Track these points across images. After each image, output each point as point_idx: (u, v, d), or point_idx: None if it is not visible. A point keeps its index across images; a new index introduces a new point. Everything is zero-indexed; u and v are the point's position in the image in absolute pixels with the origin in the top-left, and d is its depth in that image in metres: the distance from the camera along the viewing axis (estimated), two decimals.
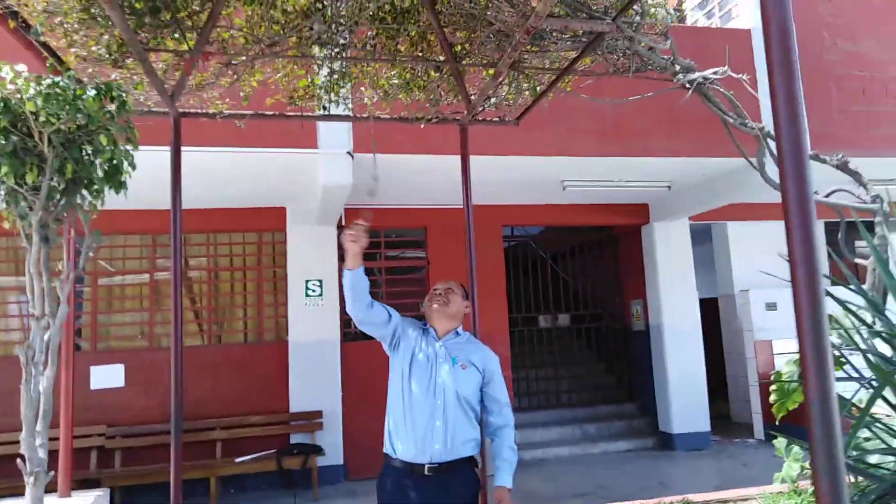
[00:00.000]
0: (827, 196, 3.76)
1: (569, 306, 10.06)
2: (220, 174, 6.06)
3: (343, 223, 7.43)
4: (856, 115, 6.32)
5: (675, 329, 8.41)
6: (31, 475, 2.86)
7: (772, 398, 4.14)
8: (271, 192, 6.89)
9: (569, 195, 7.56)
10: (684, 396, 8.27)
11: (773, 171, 3.90)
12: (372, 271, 7.83)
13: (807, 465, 4.52)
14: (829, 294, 2.08)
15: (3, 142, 2.56)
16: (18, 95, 2.62)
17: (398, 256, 8.23)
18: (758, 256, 7.84)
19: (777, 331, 8.32)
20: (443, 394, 2.65)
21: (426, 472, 2.59)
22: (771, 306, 8.52)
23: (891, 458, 2.25)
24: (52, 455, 3.18)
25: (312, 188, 6.18)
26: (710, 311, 9.50)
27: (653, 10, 3.22)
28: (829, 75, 6.29)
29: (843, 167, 3.66)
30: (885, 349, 2.21)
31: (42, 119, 2.63)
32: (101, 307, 7.13)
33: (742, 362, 8.97)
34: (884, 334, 2.15)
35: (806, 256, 1.30)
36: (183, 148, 3.75)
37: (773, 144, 3.96)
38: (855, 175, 3.46)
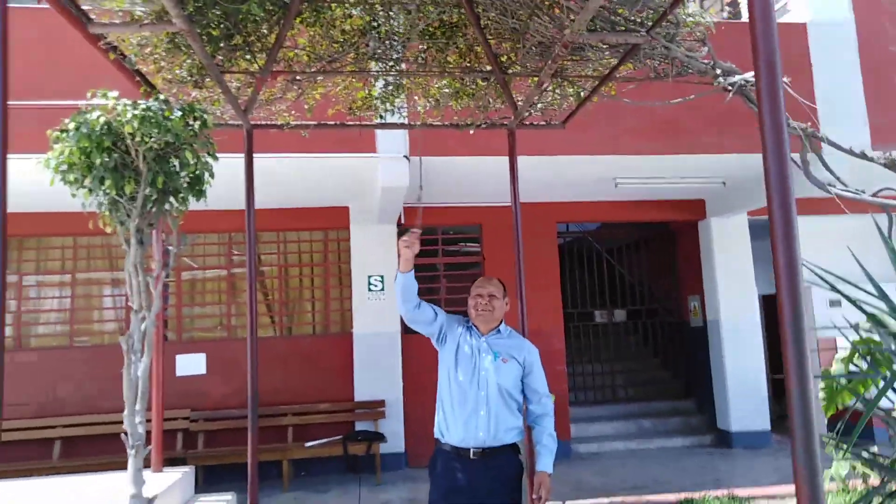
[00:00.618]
0: (874, 195, 3.76)
1: (625, 301, 10.06)
2: (288, 178, 6.51)
3: (402, 221, 7.77)
4: None
5: (734, 325, 8.31)
6: (133, 448, 3.33)
7: (820, 396, 4.14)
8: (335, 194, 7.31)
9: (622, 192, 7.61)
10: (743, 394, 8.17)
11: (817, 169, 3.93)
12: (432, 267, 8.15)
13: (857, 464, 4.50)
14: (846, 297, 2.20)
15: (108, 159, 2.99)
16: (119, 118, 3.06)
17: (455, 252, 8.51)
18: (822, 252, 7.65)
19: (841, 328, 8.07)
20: (486, 385, 2.90)
21: (472, 456, 2.86)
22: (835, 303, 8.28)
23: None
24: (146, 435, 3.63)
25: (373, 189, 6.54)
26: (775, 308, 9.27)
27: (689, 19, 3.32)
28: (892, 66, 6.11)
29: (891, 165, 3.66)
30: None
31: (137, 139, 3.06)
32: (184, 300, 7.75)
33: None
34: None
35: (788, 262, 1.47)
36: (255, 155, 4.16)
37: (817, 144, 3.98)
38: None
